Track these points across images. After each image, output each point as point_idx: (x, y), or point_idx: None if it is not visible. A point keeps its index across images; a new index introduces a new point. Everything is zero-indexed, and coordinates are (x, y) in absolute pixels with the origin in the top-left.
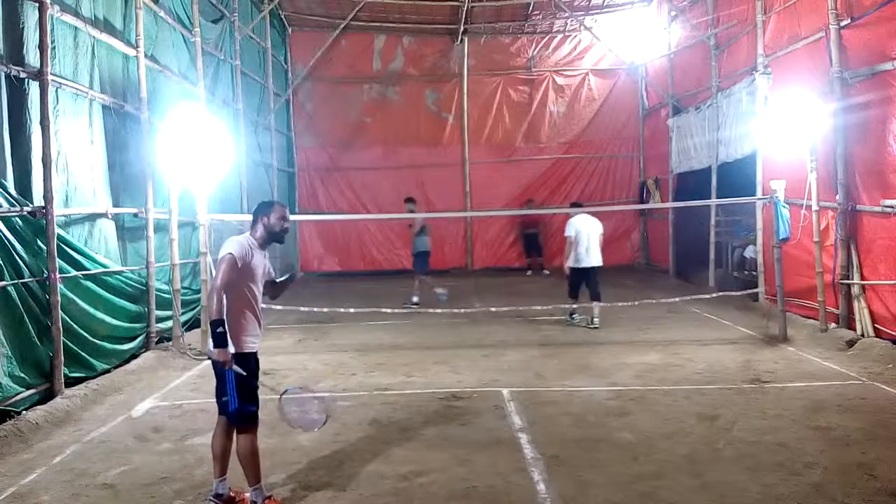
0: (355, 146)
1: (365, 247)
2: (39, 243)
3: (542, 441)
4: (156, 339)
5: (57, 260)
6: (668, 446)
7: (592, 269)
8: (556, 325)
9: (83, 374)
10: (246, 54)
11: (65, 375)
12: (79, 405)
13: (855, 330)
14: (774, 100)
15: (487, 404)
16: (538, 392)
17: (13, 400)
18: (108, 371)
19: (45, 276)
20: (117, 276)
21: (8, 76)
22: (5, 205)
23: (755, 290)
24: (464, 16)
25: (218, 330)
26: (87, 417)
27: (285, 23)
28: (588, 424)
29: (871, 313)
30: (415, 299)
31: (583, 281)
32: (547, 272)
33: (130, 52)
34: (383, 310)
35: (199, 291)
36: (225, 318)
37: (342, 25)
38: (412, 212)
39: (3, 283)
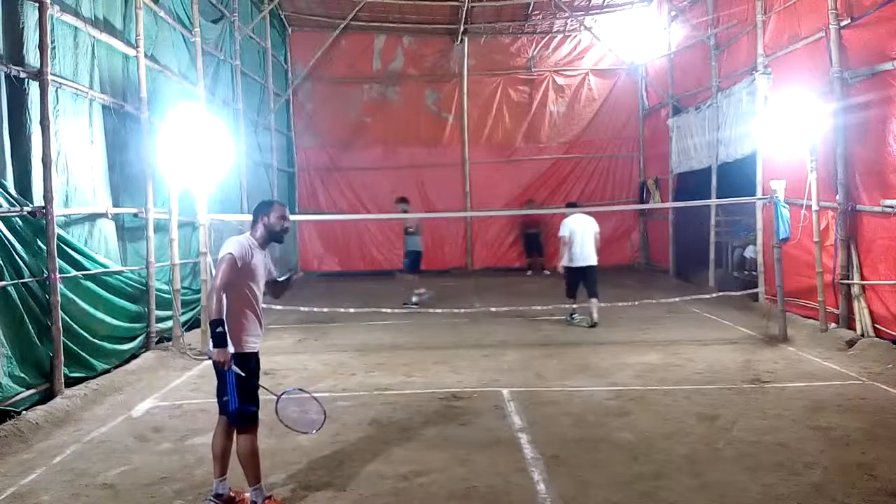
0: (355, 146)
1: (365, 247)
2: (39, 243)
3: (542, 441)
4: (156, 339)
5: (57, 260)
6: (668, 446)
7: (588, 268)
8: (556, 325)
9: (83, 374)
10: (246, 54)
11: (65, 375)
12: (79, 405)
13: (855, 330)
14: (774, 100)
15: (487, 404)
16: (538, 392)
17: (13, 400)
18: (108, 371)
19: (45, 276)
20: (117, 276)
21: (8, 76)
22: (5, 205)
23: (755, 290)
24: (464, 16)
25: (217, 330)
26: (87, 417)
27: (285, 23)
28: (588, 424)
29: (871, 313)
30: (414, 299)
31: (580, 280)
32: (547, 272)
33: (130, 52)
34: (383, 310)
35: (199, 291)
36: (225, 318)
37: (342, 25)
38: (405, 212)
39: (3, 283)
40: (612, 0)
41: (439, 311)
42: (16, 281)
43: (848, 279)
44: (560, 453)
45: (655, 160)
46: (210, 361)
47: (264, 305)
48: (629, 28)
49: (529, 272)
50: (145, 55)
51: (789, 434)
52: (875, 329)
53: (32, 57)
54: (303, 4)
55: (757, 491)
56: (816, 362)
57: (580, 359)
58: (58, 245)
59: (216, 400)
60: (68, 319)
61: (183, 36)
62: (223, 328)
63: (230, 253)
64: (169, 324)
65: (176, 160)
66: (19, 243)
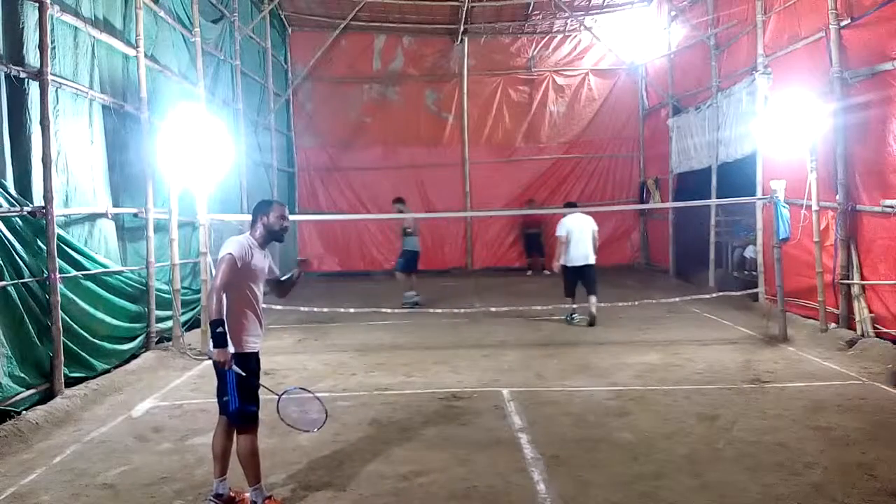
0: (355, 146)
1: (365, 247)
2: (39, 243)
3: (542, 441)
4: (156, 339)
5: (57, 260)
6: (668, 446)
7: (586, 266)
8: (556, 325)
9: (83, 374)
10: (246, 54)
11: (65, 375)
12: (79, 405)
13: (855, 330)
14: (774, 100)
15: (487, 404)
16: (538, 392)
17: (13, 400)
18: (108, 371)
19: (45, 276)
20: (117, 276)
21: (8, 76)
22: (5, 205)
23: (755, 290)
24: (464, 16)
25: (217, 330)
26: (87, 417)
27: (285, 23)
28: (588, 424)
29: (871, 313)
30: (415, 299)
31: (578, 280)
32: (547, 272)
33: (130, 52)
34: (383, 310)
35: (199, 291)
36: (225, 318)
37: (342, 25)
38: (401, 212)
39: (3, 283)
40: (612, 0)
41: (439, 311)
42: (16, 281)
43: (848, 279)
44: (560, 453)
45: (655, 160)
46: (210, 361)
47: (264, 305)
48: (629, 28)
49: (529, 272)
50: (145, 55)
51: (789, 434)
52: (875, 329)
53: (32, 57)
54: (303, 4)
55: (757, 491)
56: (816, 362)
57: (580, 359)
58: (58, 245)
59: (216, 400)
60: (68, 319)
61: (183, 36)
62: (223, 328)
63: (230, 253)
64: (169, 324)
65: (176, 160)
66: (19, 243)
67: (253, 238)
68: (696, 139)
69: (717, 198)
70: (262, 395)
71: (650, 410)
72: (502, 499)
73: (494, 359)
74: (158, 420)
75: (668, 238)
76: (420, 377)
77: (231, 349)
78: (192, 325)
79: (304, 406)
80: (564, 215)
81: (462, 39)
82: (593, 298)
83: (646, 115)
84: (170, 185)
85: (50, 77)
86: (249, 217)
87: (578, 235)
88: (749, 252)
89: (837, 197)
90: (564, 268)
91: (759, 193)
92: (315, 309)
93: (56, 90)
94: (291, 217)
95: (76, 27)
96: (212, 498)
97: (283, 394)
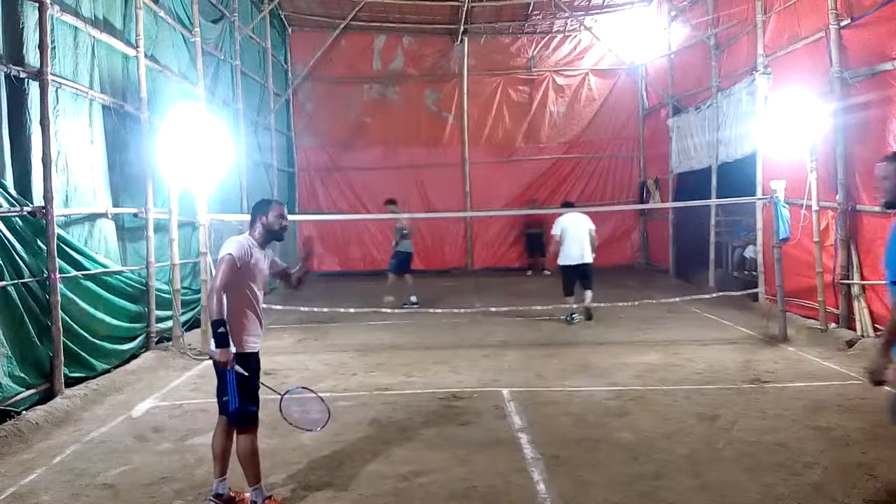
0: (355, 146)
1: (365, 247)
2: (39, 243)
3: (542, 441)
4: (156, 339)
5: (57, 260)
6: (668, 446)
7: (583, 265)
8: (556, 325)
9: (83, 374)
10: (246, 54)
11: (65, 375)
12: (79, 405)
13: (855, 330)
14: (774, 100)
15: (487, 404)
16: (538, 392)
17: (13, 400)
18: (108, 371)
19: (45, 276)
20: (117, 276)
21: (8, 76)
22: (5, 205)
23: (755, 290)
24: (464, 16)
25: (219, 330)
26: (87, 417)
27: (285, 23)
28: (588, 424)
29: (871, 313)
30: (413, 298)
31: (576, 278)
32: (548, 272)
33: (130, 52)
34: (383, 310)
35: (199, 291)
36: (226, 317)
37: (342, 25)
38: (393, 213)
39: (3, 283)
40: (612, 0)
41: (439, 311)
42: (16, 281)
43: (848, 279)
44: (560, 453)
45: (655, 160)
46: (210, 361)
47: (264, 305)
48: (629, 28)
49: (529, 272)
50: (145, 55)
51: (789, 434)
52: (875, 329)
53: (32, 57)
54: (303, 4)
55: (757, 491)
56: (816, 362)
57: (580, 359)
58: (58, 245)
59: (216, 400)
60: (68, 319)
61: (183, 36)
62: (225, 328)
63: (229, 253)
64: (169, 324)
65: (176, 160)
66: (19, 243)
67: (252, 238)
68: (696, 139)
69: (717, 198)
70: (263, 395)
71: (650, 410)
72: (502, 499)
73: (494, 359)
74: (158, 420)
75: (668, 238)
76: (420, 377)
77: (232, 349)
78: (192, 325)
79: (305, 405)
80: (561, 214)
81: (462, 39)
82: (589, 293)
83: (646, 115)
84: (170, 185)
85: (50, 77)
86: (249, 217)
87: (573, 234)
88: (749, 252)
89: (837, 197)
90: (562, 267)
91: (759, 193)
92: (315, 309)
93: (56, 90)
94: (291, 217)
95: (76, 27)
96: (212, 498)
97: (285, 393)
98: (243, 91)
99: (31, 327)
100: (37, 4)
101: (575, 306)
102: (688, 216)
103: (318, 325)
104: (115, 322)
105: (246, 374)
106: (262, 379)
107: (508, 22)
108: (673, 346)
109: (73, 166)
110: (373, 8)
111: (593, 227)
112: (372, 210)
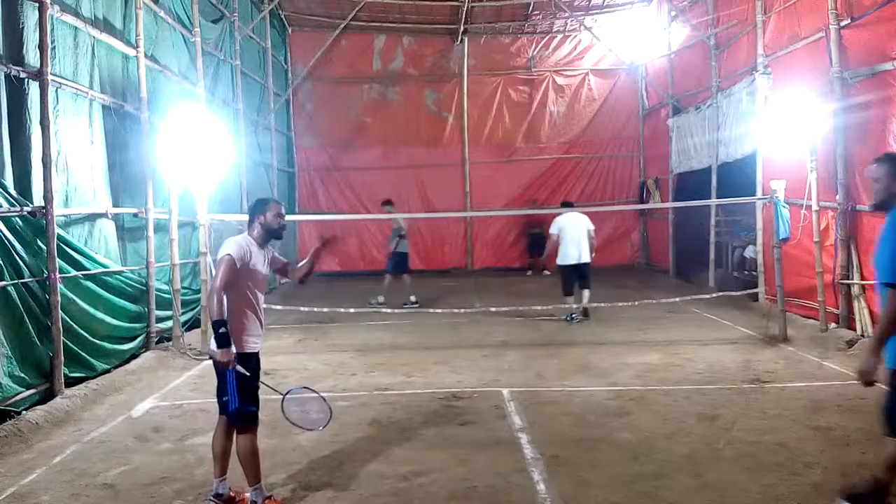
0: (355, 146)
1: (365, 247)
2: (39, 243)
3: (542, 441)
4: (156, 339)
5: (57, 260)
6: (668, 446)
7: (582, 264)
8: (556, 325)
9: (83, 374)
10: (246, 54)
11: (65, 375)
12: (79, 405)
13: (855, 330)
14: (774, 100)
15: (487, 404)
16: (538, 392)
17: (13, 400)
18: (108, 371)
19: (45, 276)
20: (117, 276)
21: (8, 76)
22: (5, 205)
23: (755, 290)
24: (464, 16)
25: (220, 330)
26: (87, 417)
27: (285, 23)
28: (588, 424)
29: (871, 313)
30: (413, 298)
31: (575, 278)
32: (548, 272)
33: (130, 52)
34: (383, 310)
35: (199, 291)
36: (226, 318)
37: (342, 25)
38: (390, 213)
39: (3, 283)
40: (612, 0)
41: (439, 311)
42: (16, 281)
43: (848, 279)
44: (560, 453)
45: (655, 160)
46: (210, 361)
47: (264, 305)
48: (629, 28)
49: (529, 272)
50: (145, 55)
51: (789, 434)
52: (875, 329)
53: (32, 57)
54: (303, 4)
55: (757, 491)
56: (816, 362)
57: (580, 359)
58: (58, 245)
59: (216, 400)
60: (68, 319)
61: (183, 36)
62: (226, 328)
63: (228, 254)
64: (169, 324)
65: (176, 160)
66: (19, 243)
67: (251, 238)
68: (696, 139)
69: (717, 198)
70: (263, 394)
71: (650, 410)
72: (502, 499)
73: (494, 359)
74: (158, 420)
75: (668, 238)
76: (420, 377)
77: (233, 349)
78: (192, 325)
79: (306, 405)
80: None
81: (462, 39)
82: (586, 293)
83: (646, 115)
84: (170, 185)
85: (50, 77)
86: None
87: (572, 233)
88: (749, 252)
89: (837, 197)
90: (561, 267)
91: (759, 193)
92: (315, 309)
93: (56, 90)
94: (291, 217)
95: (76, 27)
96: (212, 498)
97: (286, 393)
98: (243, 91)
99: (31, 327)
100: (37, 4)
101: (575, 306)
102: (688, 216)
103: (318, 325)
104: (115, 322)
105: (247, 374)
106: (262, 379)
107: (508, 22)
108: (673, 346)
109: (73, 166)
110: (373, 8)
111: (592, 227)
112: (372, 210)
